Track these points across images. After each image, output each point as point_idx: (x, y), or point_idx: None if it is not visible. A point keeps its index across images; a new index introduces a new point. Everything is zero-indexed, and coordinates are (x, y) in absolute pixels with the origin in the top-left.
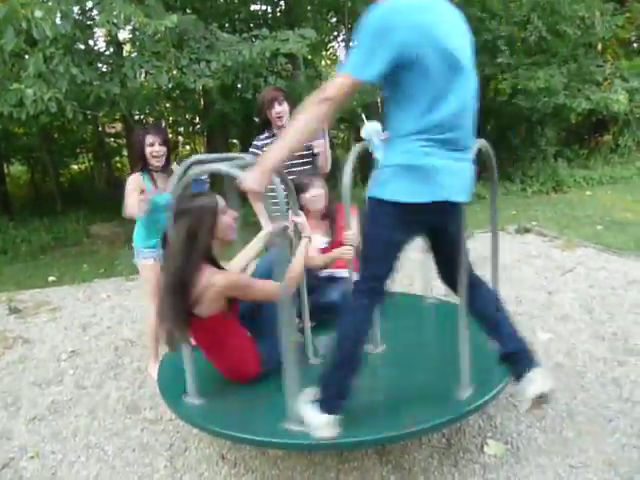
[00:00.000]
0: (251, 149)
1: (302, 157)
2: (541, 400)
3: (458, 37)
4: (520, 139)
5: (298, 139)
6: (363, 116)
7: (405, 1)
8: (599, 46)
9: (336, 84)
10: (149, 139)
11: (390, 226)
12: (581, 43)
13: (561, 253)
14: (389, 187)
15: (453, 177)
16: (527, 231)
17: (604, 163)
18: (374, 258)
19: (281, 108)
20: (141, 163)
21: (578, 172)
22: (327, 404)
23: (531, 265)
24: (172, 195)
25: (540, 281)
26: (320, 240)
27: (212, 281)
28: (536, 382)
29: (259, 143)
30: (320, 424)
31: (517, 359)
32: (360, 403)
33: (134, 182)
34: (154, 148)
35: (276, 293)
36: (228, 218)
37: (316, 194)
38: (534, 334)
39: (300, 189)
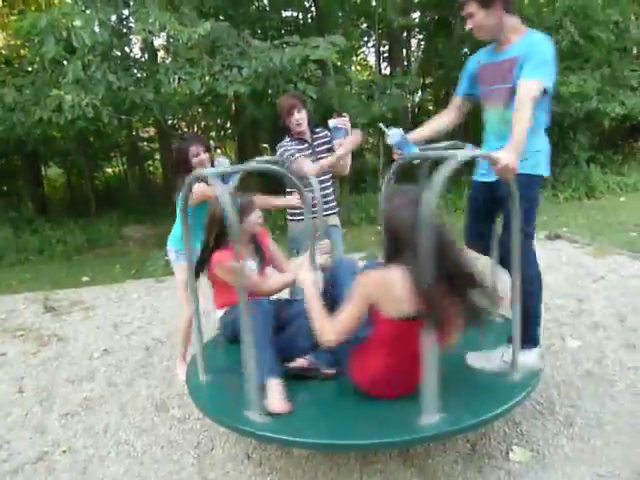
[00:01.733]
0: (280, 149)
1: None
2: None
3: None
4: (552, 144)
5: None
6: (381, 125)
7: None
8: (634, 50)
9: (538, 87)
10: (193, 150)
11: (539, 193)
12: (615, 47)
13: (592, 260)
14: (541, 165)
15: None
16: (558, 237)
17: (639, 169)
18: (534, 216)
19: (300, 115)
20: (185, 172)
21: (612, 178)
22: (536, 337)
23: (561, 272)
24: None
25: (570, 288)
26: (251, 264)
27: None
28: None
29: (282, 148)
30: (535, 358)
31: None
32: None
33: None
34: (200, 157)
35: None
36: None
37: (259, 218)
38: (563, 341)
39: (242, 212)
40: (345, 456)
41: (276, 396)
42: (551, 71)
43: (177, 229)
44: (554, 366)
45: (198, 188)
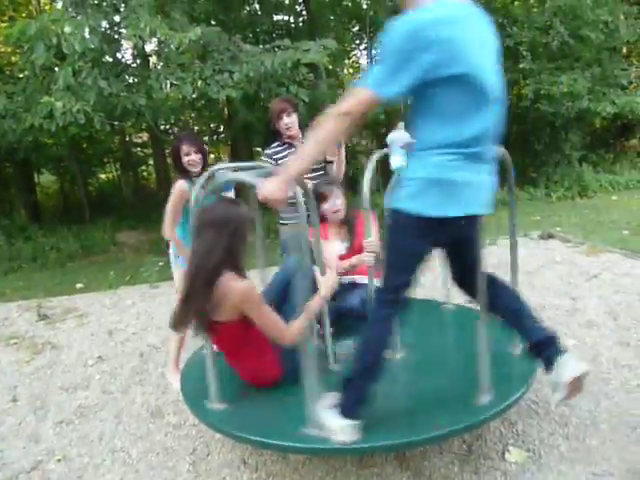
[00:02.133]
0: (263, 157)
1: (313, 165)
2: (577, 386)
3: (488, 51)
4: (544, 144)
5: (318, 150)
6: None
7: (433, 14)
8: (624, 50)
9: (355, 99)
10: (184, 149)
11: (415, 238)
12: (605, 47)
13: (586, 259)
14: (416, 200)
15: (479, 191)
16: (551, 237)
17: (631, 167)
18: (397, 269)
19: (289, 119)
20: (180, 172)
21: (604, 177)
22: (348, 409)
23: (555, 271)
24: (195, 202)
25: (564, 287)
26: (339, 246)
27: (230, 285)
28: (570, 365)
29: (270, 151)
30: (340, 429)
31: (545, 347)
32: (377, 409)
33: (180, 191)
34: (191, 157)
35: (284, 337)
36: (329, 204)
37: (336, 206)
38: None
39: (319, 198)
40: (341, 460)
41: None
42: (386, 69)
43: (181, 233)
44: None
45: (179, 187)
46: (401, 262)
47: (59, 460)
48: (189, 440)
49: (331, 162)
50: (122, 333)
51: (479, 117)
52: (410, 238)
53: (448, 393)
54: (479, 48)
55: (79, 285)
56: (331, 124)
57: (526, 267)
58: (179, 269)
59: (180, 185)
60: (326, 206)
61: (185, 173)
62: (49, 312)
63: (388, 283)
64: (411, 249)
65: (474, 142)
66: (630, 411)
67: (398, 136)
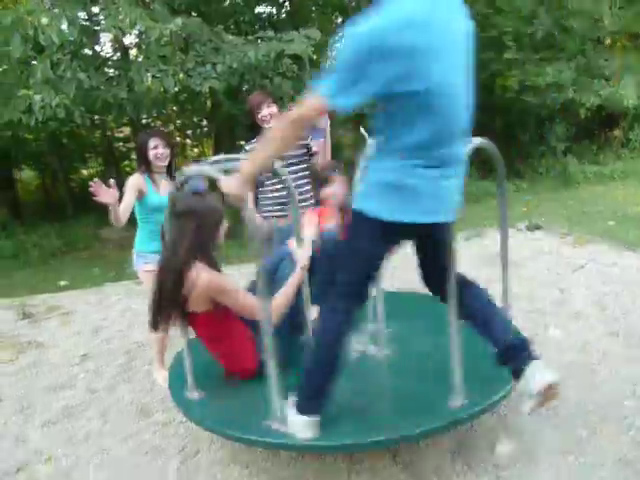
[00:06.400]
0: (242, 154)
1: (297, 157)
2: (548, 395)
3: (457, 53)
4: (529, 136)
5: (268, 154)
6: (362, 130)
7: (395, 17)
8: (608, 40)
9: (308, 106)
10: (153, 142)
11: (372, 240)
12: (589, 38)
13: (572, 249)
14: (373, 203)
15: (440, 198)
16: (538, 228)
17: (615, 158)
18: (352, 268)
19: (267, 111)
20: (144, 165)
21: (589, 168)
22: (305, 406)
23: (542, 262)
24: (169, 194)
25: (552, 278)
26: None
27: (198, 276)
28: (536, 376)
29: (248, 147)
30: (298, 425)
31: (512, 355)
32: (352, 405)
33: (133, 183)
34: (158, 150)
35: (254, 311)
36: (226, 223)
37: (336, 192)
38: (546, 331)
39: (320, 182)
40: (332, 456)
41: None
42: (340, 81)
43: (142, 229)
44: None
45: (132, 179)
46: (357, 262)
47: (46, 461)
48: (178, 438)
49: (315, 153)
50: (107, 330)
51: (440, 121)
52: (367, 240)
53: (423, 394)
54: (446, 55)
55: (63, 282)
56: (283, 130)
57: (513, 258)
58: (145, 268)
59: (135, 178)
60: (328, 191)
61: (147, 166)
62: (32, 310)
63: (343, 279)
64: (368, 251)
65: (436, 147)
66: (619, 401)
67: None
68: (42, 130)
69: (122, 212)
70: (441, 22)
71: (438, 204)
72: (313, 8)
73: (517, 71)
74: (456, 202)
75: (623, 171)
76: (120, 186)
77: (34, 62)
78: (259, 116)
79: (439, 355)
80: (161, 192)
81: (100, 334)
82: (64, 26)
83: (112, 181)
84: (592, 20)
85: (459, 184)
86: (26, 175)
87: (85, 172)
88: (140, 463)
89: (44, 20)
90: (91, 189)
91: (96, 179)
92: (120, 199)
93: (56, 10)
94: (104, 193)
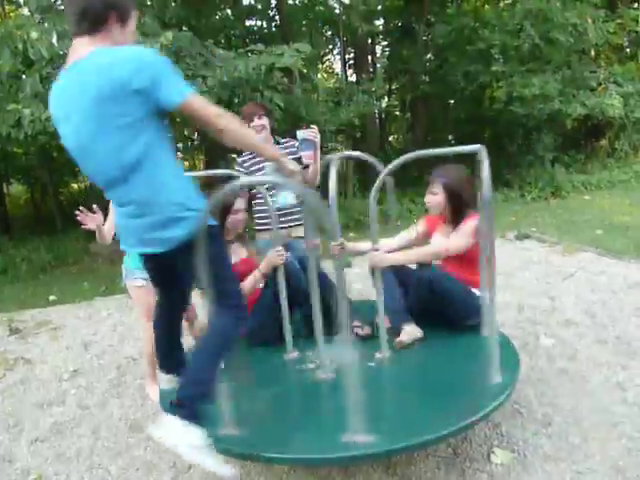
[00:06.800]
0: (236, 166)
1: None
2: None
3: (75, 124)
4: (517, 146)
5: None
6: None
7: (54, 86)
8: (592, 52)
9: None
10: None
11: None
12: (574, 50)
13: (561, 258)
14: None
15: (127, 232)
16: (527, 237)
17: (602, 167)
18: None
19: (259, 122)
20: None
21: (576, 177)
22: (190, 413)
23: (532, 271)
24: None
25: (541, 287)
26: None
27: None
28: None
29: (239, 160)
30: (183, 434)
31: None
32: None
33: None
34: None
35: None
36: (237, 217)
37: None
38: (537, 340)
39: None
40: (326, 469)
41: None
42: None
43: None
44: (529, 365)
45: None
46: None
47: (35, 479)
48: (170, 454)
49: (307, 166)
50: (98, 346)
51: (90, 173)
52: None
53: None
54: (64, 125)
55: (52, 297)
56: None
57: (503, 267)
58: (134, 283)
59: None
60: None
61: None
62: (21, 326)
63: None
64: None
65: (104, 189)
66: (610, 408)
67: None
68: (32, 144)
69: (107, 231)
70: (66, 96)
71: (128, 238)
72: (303, 22)
73: (504, 82)
74: (149, 237)
75: (610, 180)
76: (107, 202)
77: (23, 76)
78: (250, 126)
79: (438, 361)
80: None
81: (90, 349)
82: (54, 40)
83: (95, 206)
84: (577, 33)
85: (139, 223)
86: (15, 189)
87: (75, 186)
88: (132, 479)
89: (34, 34)
90: (78, 218)
91: (82, 208)
92: (106, 217)
93: (46, 24)
94: (90, 220)
